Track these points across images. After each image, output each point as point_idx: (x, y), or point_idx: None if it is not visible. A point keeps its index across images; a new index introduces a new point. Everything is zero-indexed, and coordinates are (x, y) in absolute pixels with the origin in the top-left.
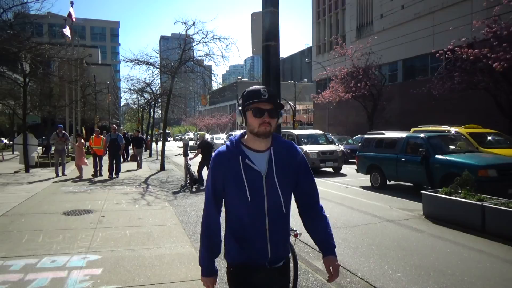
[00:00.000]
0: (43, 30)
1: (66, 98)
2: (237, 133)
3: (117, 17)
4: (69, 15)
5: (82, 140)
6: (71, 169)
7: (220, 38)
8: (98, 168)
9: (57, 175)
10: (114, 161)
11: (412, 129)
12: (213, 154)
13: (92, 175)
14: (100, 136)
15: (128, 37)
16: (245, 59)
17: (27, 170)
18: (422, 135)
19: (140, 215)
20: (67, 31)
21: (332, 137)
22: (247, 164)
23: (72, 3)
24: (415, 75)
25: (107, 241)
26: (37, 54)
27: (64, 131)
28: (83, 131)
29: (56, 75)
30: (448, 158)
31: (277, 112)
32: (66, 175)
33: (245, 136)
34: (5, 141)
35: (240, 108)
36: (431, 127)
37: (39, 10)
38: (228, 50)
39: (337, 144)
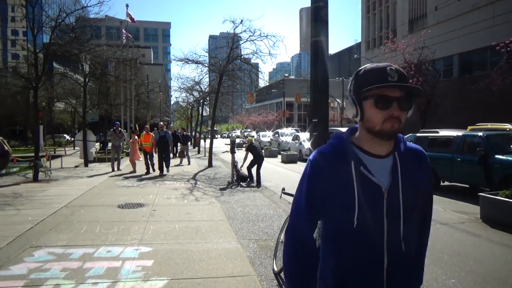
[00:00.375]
0: (101, 32)
1: (121, 96)
2: (284, 130)
3: (168, 18)
4: (130, 17)
5: (136, 137)
6: (125, 164)
7: (267, 35)
8: (150, 165)
9: (113, 170)
10: (163, 158)
11: (469, 127)
12: (312, 154)
13: (145, 173)
14: (150, 133)
15: (179, 37)
16: (292, 56)
17: (86, 165)
18: (480, 133)
19: (189, 210)
20: (125, 33)
21: None
22: (362, 174)
23: (127, 6)
24: (472, 70)
25: (158, 234)
26: (95, 55)
27: (120, 128)
28: (137, 128)
29: (113, 75)
30: (509, 158)
31: (410, 102)
32: (121, 170)
33: (357, 133)
34: (67, 137)
35: (353, 94)
36: (490, 125)
37: (97, 13)
38: (275, 47)
39: None
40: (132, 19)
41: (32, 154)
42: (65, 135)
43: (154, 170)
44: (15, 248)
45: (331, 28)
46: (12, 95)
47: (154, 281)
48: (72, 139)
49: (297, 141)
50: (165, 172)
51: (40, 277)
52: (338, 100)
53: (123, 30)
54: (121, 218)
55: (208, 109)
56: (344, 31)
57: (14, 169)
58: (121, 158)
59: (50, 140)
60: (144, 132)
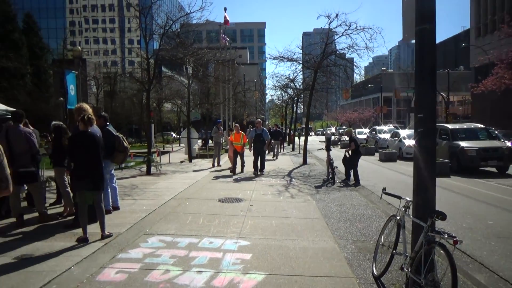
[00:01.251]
0: (202, 36)
1: (220, 96)
2: (382, 127)
3: (263, 18)
4: (225, 20)
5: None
6: (224, 160)
7: (364, 28)
8: (240, 164)
9: (213, 166)
10: (259, 157)
11: None
12: None
13: (231, 172)
14: (240, 132)
15: (273, 36)
16: (390, 49)
17: (190, 160)
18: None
19: (285, 206)
20: (223, 36)
21: (496, 132)
22: None
23: (225, 9)
24: None
25: (256, 229)
26: (198, 58)
27: (220, 126)
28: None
29: (213, 76)
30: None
31: None
32: (220, 166)
33: None
34: (174, 134)
35: None
36: None
37: (199, 18)
38: (373, 40)
39: (502, 140)
40: (226, 21)
41: (145, 150)
42: (172, 132)
43: (242, 171)
44: (132, 234)
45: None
46: (129, 98)
47: (253, 274)
48: (178, 136)
49: (396, 138)
50: (259, 173)
51: (153, 262)
52: (442, 93)
53: (222, 33)
54: (222, 212)
55: (302, 107)
56: (449, 18)
57: (131, 164)
58: (221, 154)
59: (160, 138)
60: (234, 131)
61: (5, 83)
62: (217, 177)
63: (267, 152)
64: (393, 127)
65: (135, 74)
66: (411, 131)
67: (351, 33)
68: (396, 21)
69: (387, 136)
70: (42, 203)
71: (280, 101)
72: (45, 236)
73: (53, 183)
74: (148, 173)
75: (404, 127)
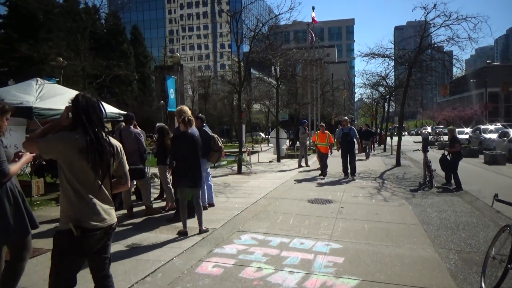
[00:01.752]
0: (289, 37)
1: (308, 96)
2: (488, 126)
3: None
4: (313, 19)
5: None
6: (312, 160)
7: (466, 17)
8: (322, 167)
9: (299, 166)
10: (348, 158)
11: None
12: None
13: (320, 175)
14: (326, 131)
15: (363, 32)
16: (496, 39)
17: (278, 160)
18: None
19: (377, 210)
20: (311, 34)
21: None
22: None
23: (313, 8)
24: None
25: (347, 232)
26: (286, 59)
27: (306, 126)
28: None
29: (301, 76)
30: None
31: None
32: (309, 166)
33: None
34: (262, 135)
35: None
36: None
37: (288, 19)
38: (477, 30)
39: None
40: (314, 20)
41: (236, 150)
42: (260, 133)
43: (325, 174)
44: (226, 230)
45: None
46: (220, 100)
47: (346, 279)
48: (267, 136)
49: (505, 138)
50: (350, 177)
51: (246, 259)
52: None
53: (310, 32)
54: (311, 213)
55: (394, 105)
56: None
57: (223, 163)
58: (308, 155)
59: (249, 138)
60: (318, 131)
61: (117, 89)
62: (305, 178)
63: (357, 152)
64: (501, 126)
65: (226, 77)
66: None
67: (451, 24)
68: (505, 8)
69: (493, 136)
70: (149, 197)
71: (370, 100)
72: (151, 227)
73: (156, 180)
74: (239, 172)
75: None
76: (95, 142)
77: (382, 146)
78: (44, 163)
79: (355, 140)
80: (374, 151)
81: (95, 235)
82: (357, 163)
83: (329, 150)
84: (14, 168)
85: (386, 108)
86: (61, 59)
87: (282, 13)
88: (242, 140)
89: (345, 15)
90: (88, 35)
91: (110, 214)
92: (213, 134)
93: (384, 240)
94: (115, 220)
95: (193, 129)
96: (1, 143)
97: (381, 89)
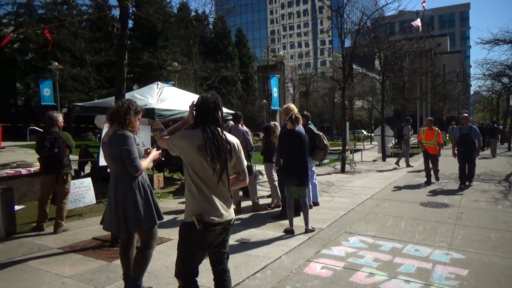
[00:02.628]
0: (394, 28)
1: (417, 90)
2: None
3: None
4: (423, 6)
5: None
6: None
7: None
8: (427, 173)
9: (408, 165)
10: (466, 165)
11: None
12: None
13: (424, 183)
14: (434, 128)
15: (480, 18)
16: None
17: (384, 159)
18: None
19: (505, 217)
20: (417, 22)
21: None
22: None
23: None
24: None
25: (469, 241)
26: (393, 51)
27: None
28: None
29: (410, 69)
30: None
31: None
32: (412, 167)
33: None
34: (365, 132)
35: None
36: None
37: (396, 9)
38: None
39: None
40: (423, 8)
41: (338, 148)
42: (362, 130)
43: (437, 179)
44: (333, 231)
45: None
46: (321, 97)
47: None
48: (369, 134)
49: None
50: (467, 183)
51: (356, 263)
52: None
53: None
54: (425, 217)
55: None
56: None
57: (325, 161)
58: (416, 154)
59: (351, 136)
60: (425, 127)
61: (224, 89)
62: (416, 178)
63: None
64: None
65: (328, 74)
66: None
67: None
68: None
69: None
70: (255, 193)
71: (490, 93)
72: (258, 224)
73: (261, 177)
74: (343, 171)
75: None
76: (211, 138)
77: (506, 144)
78: (163, 159)
79: (476, 142)
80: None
81: (215, 230)
82: (477, 161)
83: (438, 151)
84: (144, 163)
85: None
86: (176, 64)
87: (390, 3)
88: (346, 138)
89: (458, 0)
90: (198, 40)
91: (228, 210)
92: (318, 132)
93: None
94: (233, 216)
95: (300, 127)
96: (134, 141)
97: (505, 79)
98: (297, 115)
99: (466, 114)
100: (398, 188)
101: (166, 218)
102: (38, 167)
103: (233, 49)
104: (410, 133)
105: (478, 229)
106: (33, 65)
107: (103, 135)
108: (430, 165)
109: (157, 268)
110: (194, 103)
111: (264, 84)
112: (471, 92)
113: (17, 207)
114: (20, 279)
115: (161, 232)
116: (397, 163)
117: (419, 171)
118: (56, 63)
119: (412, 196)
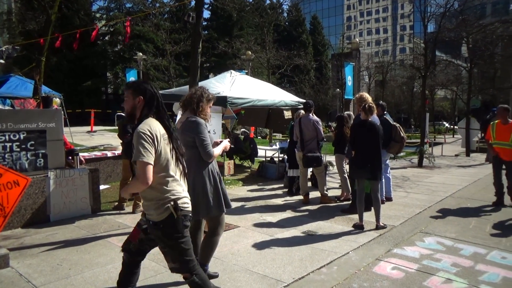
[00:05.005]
0: (485, 11)
1: (511, 79)
2: None
3: None
4: None
5: None
6: None
7: None
8: (498, 188)
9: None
10: None
11: None
12: None
13: (493, 203)
14: (511, 121)
15: None
16: None
17: (467, 154)
18: None
19: None
20: None
21: None
22: None
23: None
24: None
25: None
26: (483, 36)
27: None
28: None
29: (503, 55)
30: None
31: None
32: None
33: None
34: (447, 124)
35: None
36: None
37: None
38: None
39: None
40: None
41: (415, 141)
42: (444, 122)
43: (500, 203)
44: (407, 229)
45: None
46: (399, 86)
47: None
48: (452, 126)
49: None
50: None
51: (432, 266)
52: None
53: None
54: None
55: None
56: None
57: (401, 154)
58: None
59: (431, 128)
60: (497, 121)
61: (296, 78)
62: (504, 176)
63: None
64: None
65: (407, 61)
66: None
67: None
68: None
69: None
70: (324, 185)
71: None
72: (326, 216)
73: (331, 168)
74: (420, 165)
75: None
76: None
77: None
78: (233, 146)
79: None
80: None
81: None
82: None
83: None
84: (217, 151)
85: None
86: (249, 52)
87: None
88: (426, 130)
89: None
90: (272, 28)
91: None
92: (394, 123)
93: None
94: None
95: (374, 117)
96: (206, 128)
97: None
98: (371, 104)
99: None
100: (484, 186)
101: (234, 205)
102: (121, 151)
103: (307, 37)
104: None
105: None
106: (121, 56)
107: (176, 122)
108: (505, 178)
109: (223, 254)
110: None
111: (338, 72)
112: None
113: (102, 187)
114: (101, 254)
115: (228, 219)
116: (487, 159)
117: None
118: (141, 54)
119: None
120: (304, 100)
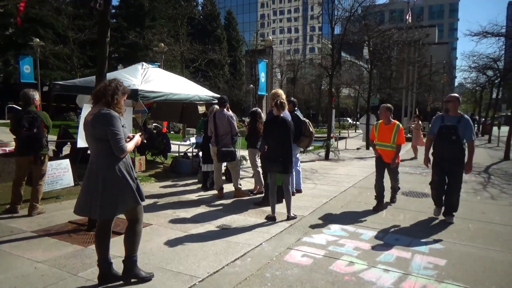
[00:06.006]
0: (384, 17)
1: (403, 80)
2: None
3: None
4: None
5: (420, 122)
6: (406, 149)
7: None
8: (379, 198)
9: None
10: (444, 180)
11: None
12: None
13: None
14: (393, 121)
15: (469, 10)
16: None
17: (367, 148)
18: None
19: (483, 209)
20: (408, 14)
21: None
22: None
23: None
24: None
25: (449, 231)
26: (383, 40)
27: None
28: (417, 112)
29: (398, 58)
30: None
31: None
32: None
33: None
34: (350, 120)
35: None
36: None
37: None
38: None
39: None
40: None
41: (323, 135)
42: (348, 118)
43: (393, 201)
44: (315, 218)
45: None
46: (308, 84)
47: (449, 284)
48: (354, 122)
49: None
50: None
51: (337, 251)
52: None
53: (409, 11)
54: (406, 206)
55: (497, 91)
56: None
57: (310, 148)
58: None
59: (336, 123)
60: (380, 121)
61: (211, 73)
62: (399, 168)
63: None
64: None
65: (316, 60)
66: None
67: None
68: None
69: None
70: (238, 179)
71: (474, 85)
72: (240, 210)
73: (244, 162)
74: (327, 158)
75: None
76: None
77: (487, 136)
78: (145, 141)
79: (465, 143)
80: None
81: None
82: None
83: (395, 157)
84: (130, 145)
85: (494, 95)
86: (162, 45)
87: None
88: (332, 125)
89: None
90: (186, 21)
91: None
92: (304, 119)
93: (493, 244)
94: None
95: (286, 113)
96: (120, 121)
97: (490, 72)
98: (282, 101)
99: (455, 94)
100: None
101: (146, 202)
102: (14, 148)
103: (222, 32)
104: None
105: (457, 220)
106: (14, 41)
107: (83, 115)
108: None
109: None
110: None
111: (251, 68)
112: (456, 84)
113: None
114: None
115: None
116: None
117: (403, 160)
118: (38, 40)
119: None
120: (219, 95)
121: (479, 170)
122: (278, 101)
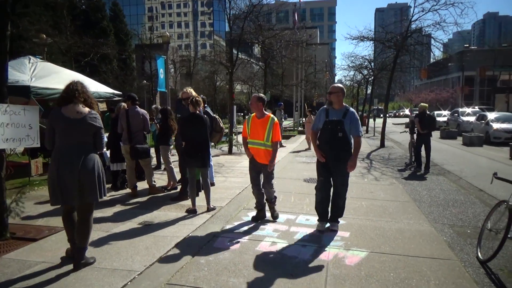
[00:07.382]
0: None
1: (293, 77)
2: (465, 109)
3: None
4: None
5: (312, 116)
6: (299, 141)
7: (454, 3)
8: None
9: (281, 146)
10: (329, 181)
11: None
12: None
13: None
14: (268, 115)
15: (345, 14)
16: (473, 24)
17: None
18: None
19: (371, 188)
20: (295, 16)
21: None
22: None
23: None
24: None
25: (347, 209)
26: (276, 40)
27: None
28: (306, 107)
29: (289, 57)
30: None
31: None
32: (285, 146)
33: None
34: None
35: None
36: None
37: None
38: (463, 15)
39: None
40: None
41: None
42: (241, 113)
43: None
44: (233, 208)
45: None
46: (203, 80)
47: (355, 251)
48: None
49: (483, 121)
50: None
51: (259, 234)
52: None
53: (294, 13)
54: (310, 191)
55: (370, 88)
56: None
57: (211, 143)
58: (293, 136)
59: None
60: (252, 114)
61: (100, 68)
62: (296, 158)
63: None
64: (478, 110)
65: (210, 56)
66: (500, 114)
67: (439, 9)
68: None
69: (471, 119)
70: (151, 175)
71: (352, 82)
72: (158, 206)
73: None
74: (230, 152)
75: (492, 109)
76: None
77: (364, 128)
78: (38, 145)
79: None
80: None
81: None
82: None
83: (272, 158)
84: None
85: (368, 91)
86: (44, 36)
87: None
88: (233, 121)
89: None
90: (67, 11)
91: None
92: (214, 115)
93: (382, 216)
94: None
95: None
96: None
97: (365, 71)
98: (198, 98)
99: (339, 85)
100: (283, 167)
101: (53, 208)
102: None
103: (108, 24)
104: (284, 116)
105: (352, 199)
106: None
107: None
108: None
109: (48, 259)
110: None
111: (143, 63)
112: (335, 81)
113: None
114: None
115: (52, 221)
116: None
117: (299, 151)
118: None
119: (296, 174)
120: (118, 92)
121: (362, 157)
122: (193, 99)
